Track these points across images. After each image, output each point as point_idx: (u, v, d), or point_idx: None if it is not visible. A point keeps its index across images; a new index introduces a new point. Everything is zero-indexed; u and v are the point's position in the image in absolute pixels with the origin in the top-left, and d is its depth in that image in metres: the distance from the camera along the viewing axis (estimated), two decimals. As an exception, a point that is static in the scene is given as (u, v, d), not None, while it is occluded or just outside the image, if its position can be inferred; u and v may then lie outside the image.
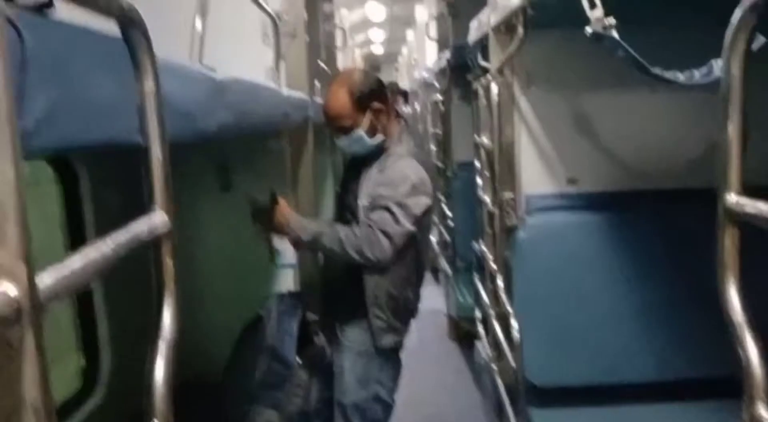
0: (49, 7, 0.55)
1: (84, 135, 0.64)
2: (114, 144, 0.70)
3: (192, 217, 2.51)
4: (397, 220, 2.00)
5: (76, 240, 1.92)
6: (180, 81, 0.89)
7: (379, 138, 2.11)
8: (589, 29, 1.71)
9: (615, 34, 1.70)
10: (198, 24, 1.18)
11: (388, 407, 2.19)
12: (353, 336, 2.13)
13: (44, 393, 0.44)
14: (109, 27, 0.69)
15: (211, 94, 1.03)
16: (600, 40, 1.71)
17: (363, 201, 2.08)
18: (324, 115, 2.17)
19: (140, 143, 0.74)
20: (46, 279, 0.46)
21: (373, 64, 13.88)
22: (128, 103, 0.72)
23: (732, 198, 0.77)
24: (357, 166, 2.19)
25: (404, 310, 2.17)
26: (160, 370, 0.72)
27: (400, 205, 2.00)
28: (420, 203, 2.06)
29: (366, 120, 2.07)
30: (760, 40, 1.45)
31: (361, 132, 2.07)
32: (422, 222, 2.12)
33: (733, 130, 0.77)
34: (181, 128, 0.89)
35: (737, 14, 0.74)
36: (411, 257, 2.14)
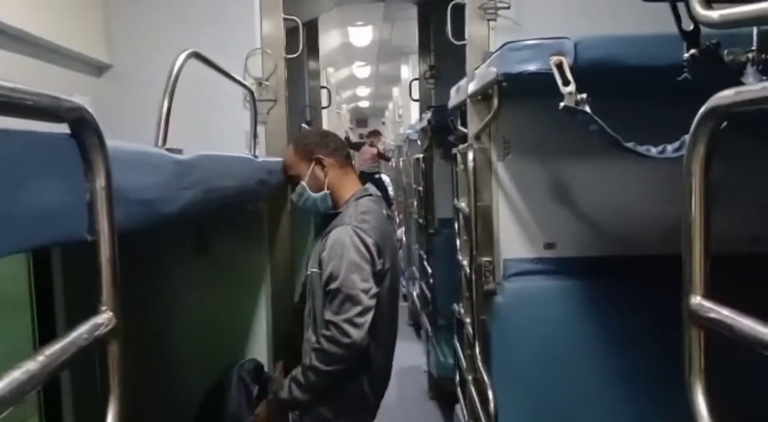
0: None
1: (25, 239, 0.61)
2: (61, 243, 0.68)
3: (165, 279, 2.47)
4: (353, 301, 1.94)
5: (46, 319, 1.89)
6: (138, 169, 0.87)
7: (323, 193, 2.13)
8: (562, 104, 1.73)
9: (588, 108, 1.73)
10: (164, 105, 1.17)
11: None
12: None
13: None
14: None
15: (172, 176, 1.01)
16: (573, 115, 1.74)
17: (310, 269, 2.08)
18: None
19: (89, 240, 0.71)
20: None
21: (359, 117, 14.08)
22: (76, 200, 0.70)
23: (696, 301, 0.76)
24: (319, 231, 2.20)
25: (345, 396, 2.06)
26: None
27: (350, 285, 1.94)
28: (366, 279, 1.98)
29: (309, 170, 2.12)
30: (671, 153, 1.49)
31: (303, 183, 2.13)
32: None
33: (696, 233, 0.76)
34: (140, 217, 0.87)
35: (696, 119, 0.74)
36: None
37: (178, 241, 2.47)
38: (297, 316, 2.27)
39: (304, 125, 3.54)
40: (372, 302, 1.96)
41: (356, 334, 1.91)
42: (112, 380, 0.72)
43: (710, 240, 0.76)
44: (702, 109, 0.72)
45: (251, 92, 2.12)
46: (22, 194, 0.61)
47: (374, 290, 1.98)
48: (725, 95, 0.67)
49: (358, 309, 1.93)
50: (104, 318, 0.71)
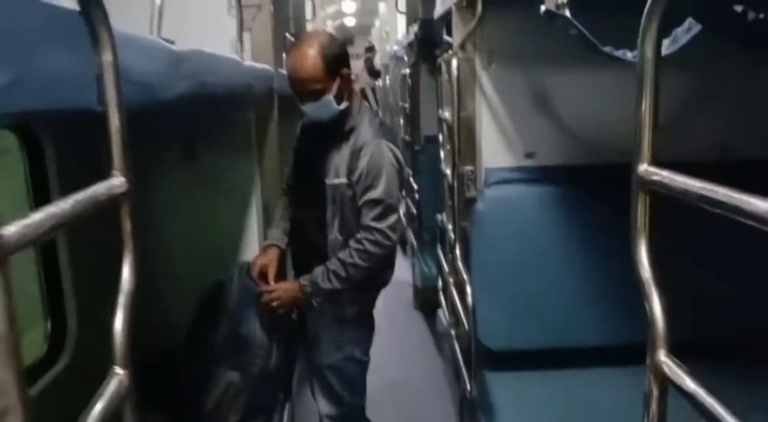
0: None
1: (45, 103, 0.69)
2: (75, 111, 0.75)
3: (156, 186, 2.54)
4: (392, 210, 2.14)
5: (40, 204, 1.95)
6: (138, 52, 0.94)
7: (344, 105, 2.14)
8: (543, 7, 1.78)
9: (567, 12, 1.78)
10: (158, -3, 1.22)
11: (363, 364, 2.32)
12: (323, 304, 2.21)
13: (11, 327, 0.50)
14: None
15: (169, 64, 1.07)
16: (553, 19, 1.79)
17: (334, 179, 2.14)
18: (292, 77, 2.10)
19: (99, 111, 0.79)
20: (11, 229, 0.52)
21: (346, 36, 13.81)
22: (88, 73, 0.77)
23: (643, 167, 0.86)
24: (318, 136, 2.21)
25: (370, 284, 2.25)
26: (119, 320, 0.78)
27: (390, 195, 2.13)
28: (398, 188, 2.22)
29: (335, 85, 2.08)
30: (675, 45, 1.55)
31: (330, 97, 2.07)
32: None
33: (646, 107, 0.86)
34: (141, 97, 0.94)
35: (649, 1, 0.81)
36: None
37: (168, 149, 2.52)
38: (300, 223, 2.35)
39: (288, 35, 3.51)
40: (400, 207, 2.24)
41: (395, 237, 2.16)
42: (126, 236, 0.82)
43: (658, 113, 0.85)
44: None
45: (237, -5, 2.12)
46: (39, 61, 0.67)
47: (400, 197, 2.25)
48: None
49: (396, 216, 2.17)
50: (118, 181, 0.79)
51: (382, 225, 2.11)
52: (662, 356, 0.81)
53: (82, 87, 0.77)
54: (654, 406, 0.82)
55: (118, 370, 0.79)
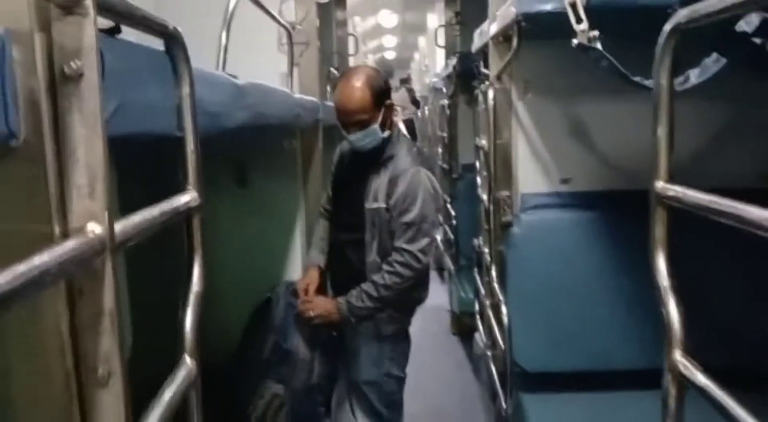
0: (118, 32, 0.73)
1: (141, 127, 0.82)
2: (160, 135, 0.88)
3: (209, 210, 2.69)
4: (424, 233, 2.23)
5: None
6: (209, 86, 1.07)
7: (386, 133, 2.26)
8: (575, 41, 1.87)
9: (599, 45, 1.87)
10: (223, 37, 1.36)
11: (401, 380, 2.40)
12: (360, 322, 2.30)
13: (117, 304, 0.62)
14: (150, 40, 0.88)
15: (233, 96, 1.21)
16: (585, 52, 1.88)
17: (373, 203, 2.24)
18: (341, 108, 2.21)
19: (178, 135, 0.92)
20: (118, 226, 0.64)
21: (386, 69, 14.12)
22: (169, 103, 0.90)
23: (660, 184, 0.94)
24: (357, 162, 2.34)
25: (405, 303, 2.35)
26: (189, 315, 0.90)
27: (423, 220, 2.22)
28: (434, 213, 2.32)
29: (380, 115, 2.22)
30: (704, 75, 1.63)
31: (376, 126, 2.20)
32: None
33: (662, 130, 0.94)
34: (209, 125, 1.07)
35: (663, 35, 0.91)
36: None
37: (222, 175, 2.68)
38: (340, 245, 2.45)
39: (333, 70, 3.69)
40: (435, 233, 2.34)
41: (426, 260, 2.26)
42: (196, 244, 0.94)
43: (674, 136, 0.94)
44: (666, 27, 0.88)
45: (289, 32, 2.28)
46: (135, 93, 0.81)
47: (437, 222, 2.35)
48: (683, 13, 0.84)
49: (428, 240, 2.26)
50: (192, 195, 0.92)
51: (413, 247, 2.20)
52: (678, 356, 0.88)
53: (166, 115, 0.90)
54: (672, 404, 0.89)
55: (187, 359, 0.90)
